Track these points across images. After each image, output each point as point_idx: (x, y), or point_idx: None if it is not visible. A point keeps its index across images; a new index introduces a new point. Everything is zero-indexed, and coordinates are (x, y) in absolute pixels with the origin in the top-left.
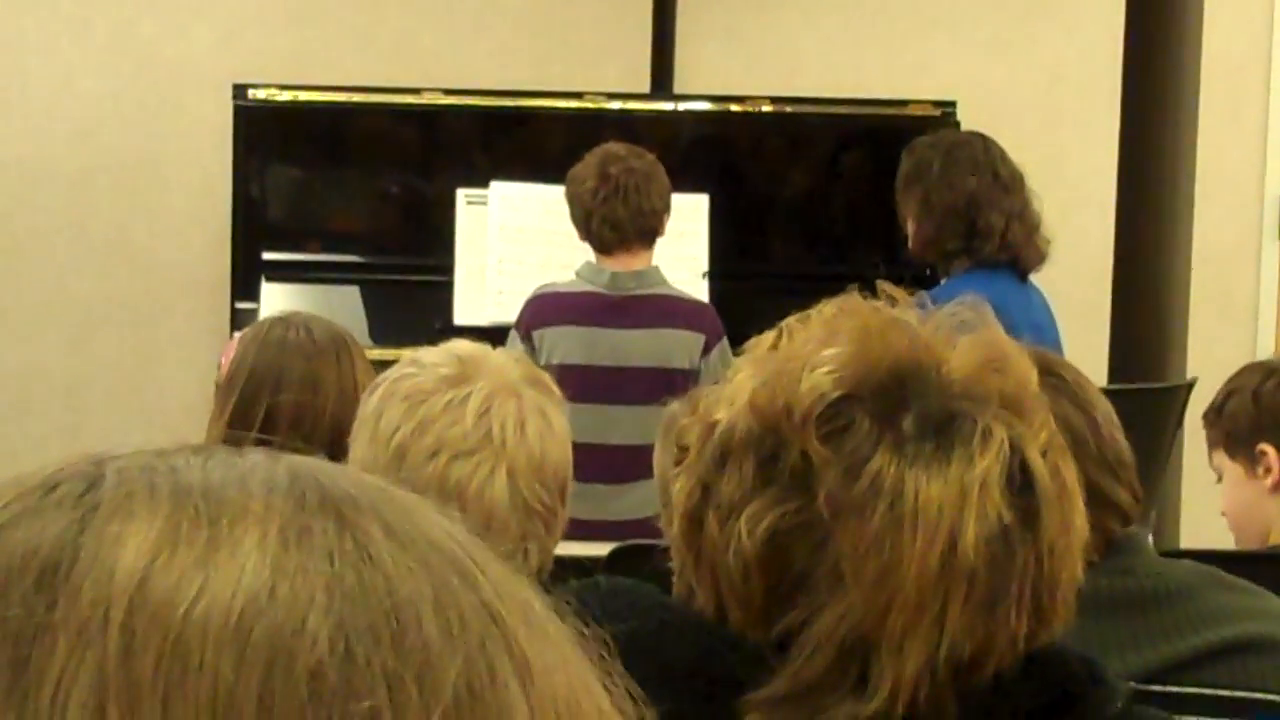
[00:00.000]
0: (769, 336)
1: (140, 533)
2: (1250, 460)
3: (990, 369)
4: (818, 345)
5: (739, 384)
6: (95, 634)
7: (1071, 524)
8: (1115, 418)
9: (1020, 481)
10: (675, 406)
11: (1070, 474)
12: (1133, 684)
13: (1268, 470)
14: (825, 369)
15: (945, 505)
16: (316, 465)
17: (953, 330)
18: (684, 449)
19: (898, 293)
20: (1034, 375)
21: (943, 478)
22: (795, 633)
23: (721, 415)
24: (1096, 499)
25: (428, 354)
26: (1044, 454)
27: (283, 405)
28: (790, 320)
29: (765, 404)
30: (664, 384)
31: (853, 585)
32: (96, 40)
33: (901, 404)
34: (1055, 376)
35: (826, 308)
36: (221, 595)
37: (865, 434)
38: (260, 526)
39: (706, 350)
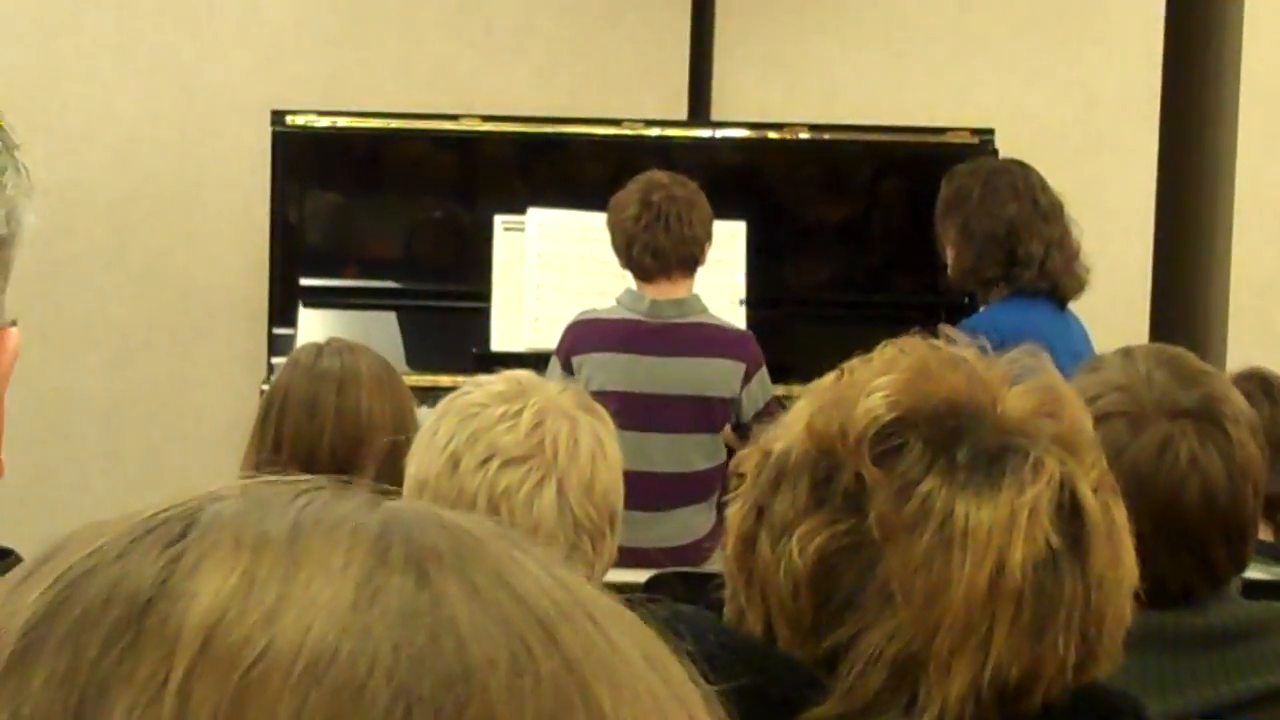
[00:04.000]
0: (830, 375)
1: (214, 587)
2: None
3: (1044, 412)
4: (875, 376)
5: (796, 412)
6: (154, 694)
7: (1121, 561)
8: (1259, 488)
9: (1070, 510)
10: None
11: (1120, 515)
12: None
13: None
14: (881, 393)
15: (994, 528)
16: (413, 515)
17: (1012, 374)
18: (741, 477)
19: (959, 335)
20: (1088, 422)
21: (993, 503)
22: (843, 650)
23: (779, 445)
24: (1195, 552)
25: (485, 377)
26: (1095, 491)
27: (285, 427)
28: (852, 361)
29: (821, 427)
30: (703, 412)
31: (901, 605)
32: (136, 65)
33: (955, 437)
34: (1221, 431)
35: (887, 349)
36: (284, 655)
37: (917, 457)
38: (335, 583)
39: (747, 379)
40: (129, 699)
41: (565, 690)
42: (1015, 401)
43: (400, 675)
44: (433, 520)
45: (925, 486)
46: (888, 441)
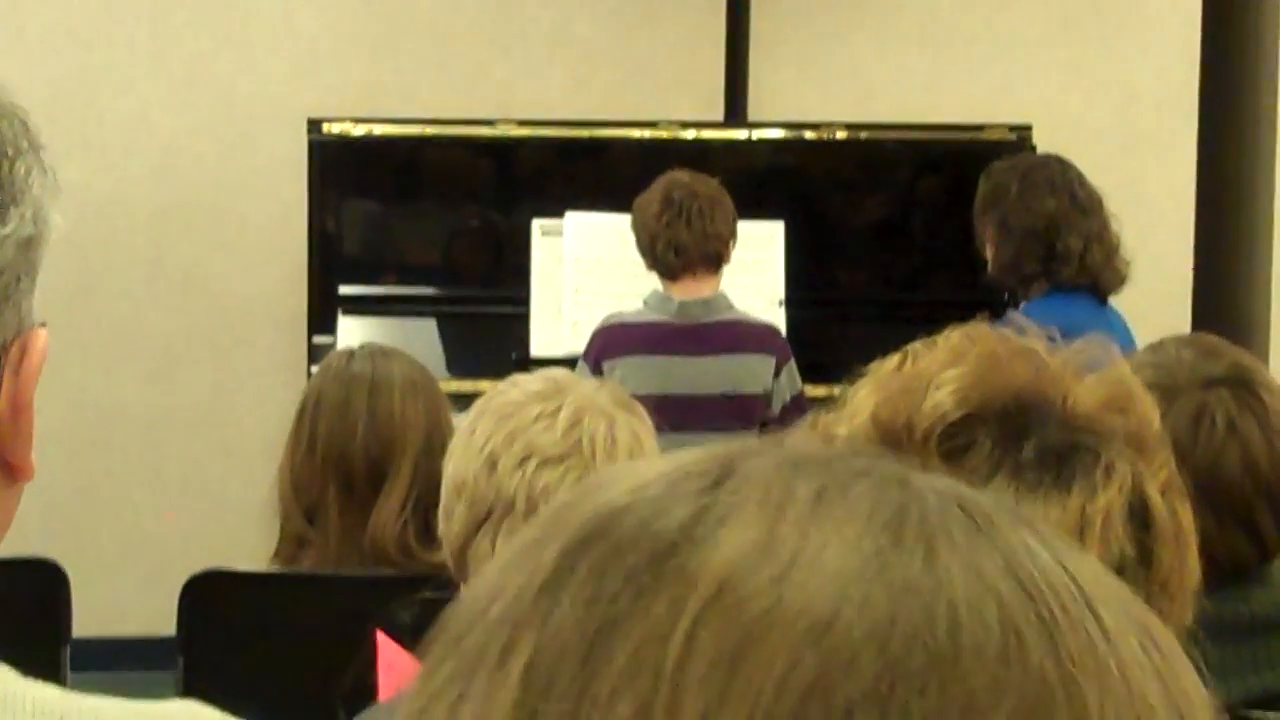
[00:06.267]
0: (893, 359)
1: (735, 540)
2: None
3: (1114, 407)
4: (942, 367)
5: (860, 401)
6: (663, 633)
7: (1185, 566)
8: None
9: (1140, 518)
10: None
11: (1187, 517)
12: (1230, 709)
13: None
14: (950, 388)
15: (1064, 534)
16: (936, 496)
17: (1080, 365)
18: None
19: (1028, 323)
20: (1156, 416)
21: (1062, 506)
22: None
23: (841, 431)
24: (1242, 523)
25: (522, 376)
26: (1163, 494)
27: (319, 430)
28: (915, 345)
29: (887, 419)
30: (740, 409)
31: None
32: (173, 76)
33: (1023, 431)
34: (1254, 397)
35: (953, 334)
36: (788, 614)
37: (986, 455)
38: (847, 553)
39: (777, 373)
40: (640, 634)
41: (1050, 686)
42: (1085, 395)
43: (892, 649)
44: (953, 500)
45: (992, 487)
46: (955, 440)
